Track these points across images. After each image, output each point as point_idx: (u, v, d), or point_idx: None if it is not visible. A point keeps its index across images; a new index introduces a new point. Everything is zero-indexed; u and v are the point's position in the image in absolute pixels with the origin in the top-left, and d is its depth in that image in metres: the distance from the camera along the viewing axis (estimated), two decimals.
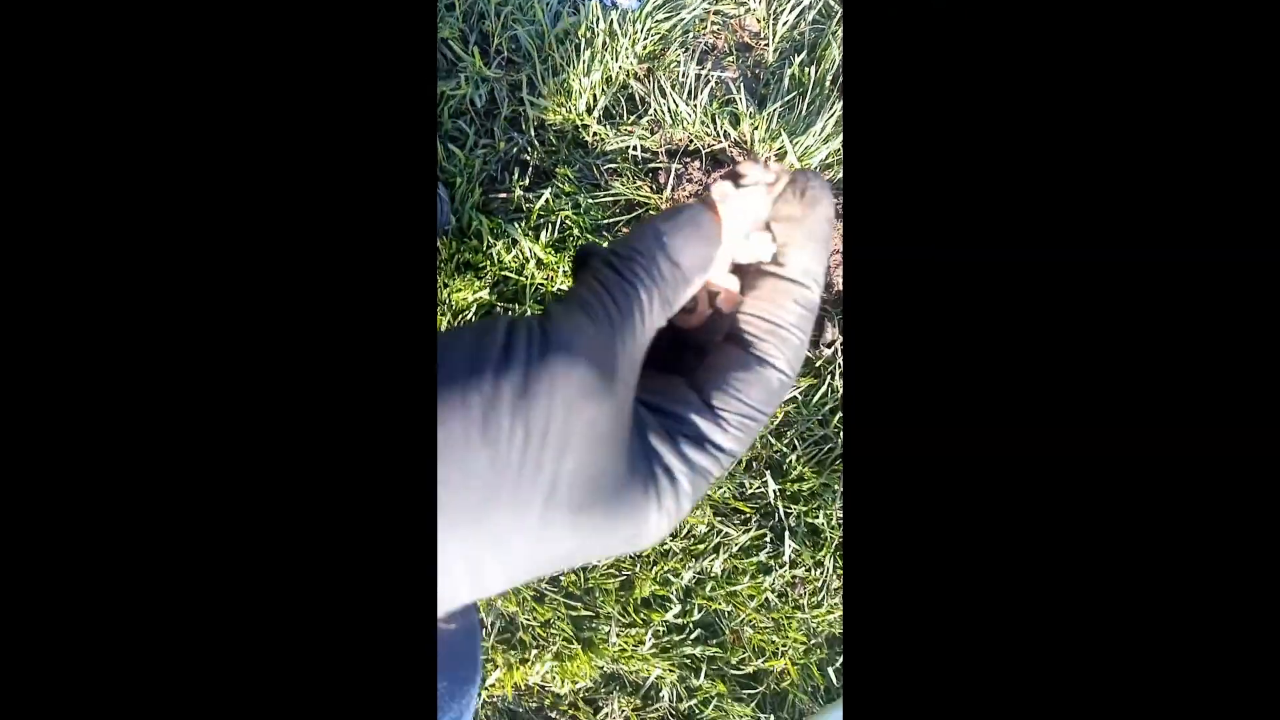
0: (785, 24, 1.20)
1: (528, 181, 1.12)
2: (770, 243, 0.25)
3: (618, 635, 1.13)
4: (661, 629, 1.14)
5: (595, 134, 1.14)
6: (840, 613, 1.16)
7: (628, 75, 1.15)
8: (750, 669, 1.17)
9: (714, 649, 1.15)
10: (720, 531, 1.15)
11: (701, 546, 1.15)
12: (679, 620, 1.15)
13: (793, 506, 1.16)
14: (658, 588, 1.14)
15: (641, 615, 1.14)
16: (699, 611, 1.15)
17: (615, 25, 1.13)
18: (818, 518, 1.16)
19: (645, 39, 1.14)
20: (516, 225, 1.09)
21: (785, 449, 1.15)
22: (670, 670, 1.14)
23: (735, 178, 0.25)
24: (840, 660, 1.17)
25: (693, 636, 1.15)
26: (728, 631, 1.17)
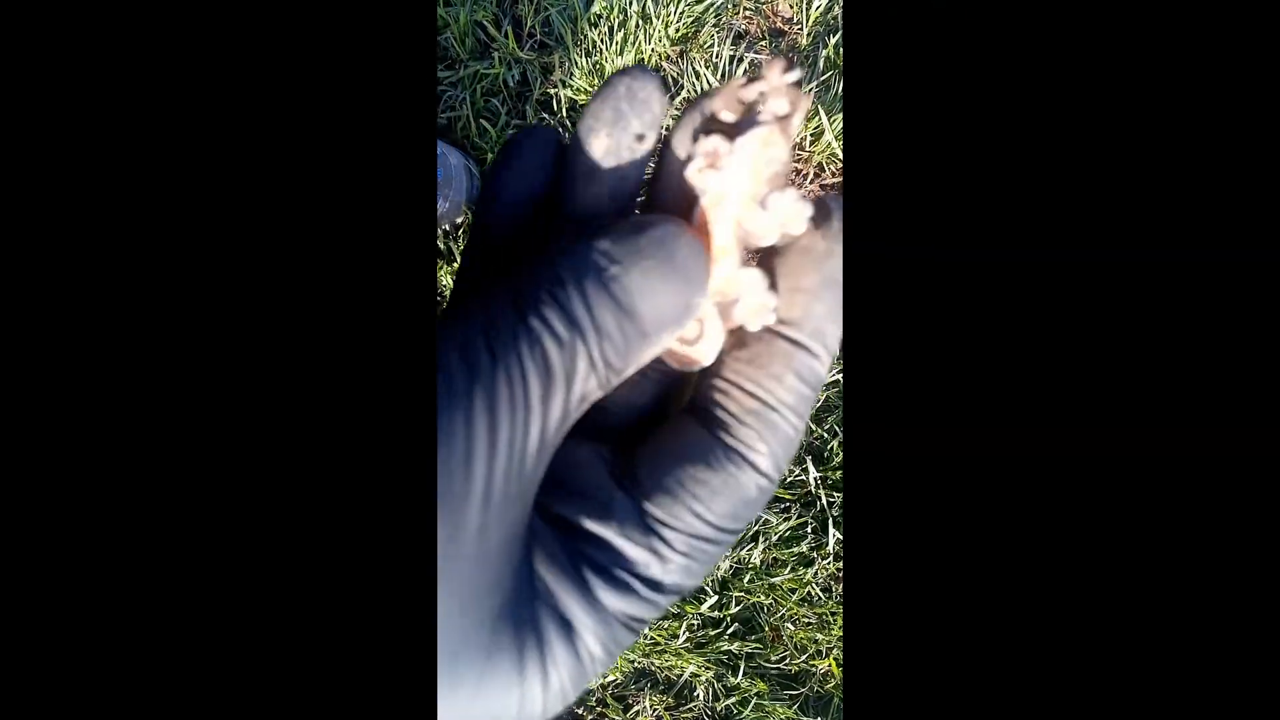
0: (819, 7, 1.19)
1: None
2: (802, 200, 0.17)
3: (649, 628, 1.07)
4: (696, 622, 1.08)
5: None
6: None
7: (660, 57, 1.15)
8: (793, 668, 1.09)
9: (753, 645, 1.08)
10: (758, 519, 1.08)
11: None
12: (715, 614, 1.08)
13: (836, 495, 1.09)
14: None
15: (675, 607, 1.08)
16: (736, 605, 1.08)
17: (648, 7, 1.13)
18: None
19: (678, 21, 1.14)
20: None
21: (826, 435, 1.10)
22: (706, 667, 1.07)
23: (728, 126, 0.17)
24: None
25: (730, 631, 1.08)
26: (767, 627, 1.09)
